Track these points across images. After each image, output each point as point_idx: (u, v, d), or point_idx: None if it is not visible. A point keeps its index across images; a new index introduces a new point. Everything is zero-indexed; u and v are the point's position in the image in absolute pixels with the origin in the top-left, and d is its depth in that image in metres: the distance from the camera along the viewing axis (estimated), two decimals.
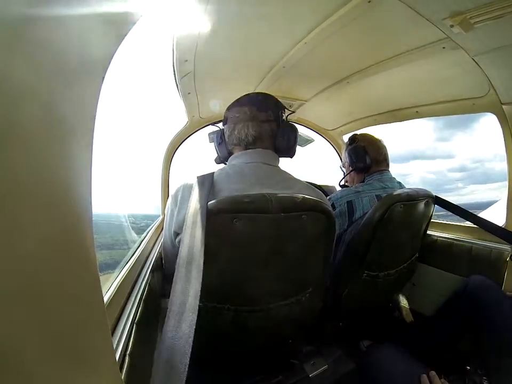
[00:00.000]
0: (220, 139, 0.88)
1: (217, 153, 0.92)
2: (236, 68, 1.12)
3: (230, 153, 0.86)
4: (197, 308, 0.41)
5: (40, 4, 0.22)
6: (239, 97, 0.87)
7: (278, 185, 0.74)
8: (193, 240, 0.51)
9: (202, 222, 0.54)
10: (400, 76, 1.14)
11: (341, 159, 1.96)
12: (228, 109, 0.87)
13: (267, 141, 0.82)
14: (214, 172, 0.75)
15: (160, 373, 0.34)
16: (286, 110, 0.89)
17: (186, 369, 0.34)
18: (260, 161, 0.78)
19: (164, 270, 0.92)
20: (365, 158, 1.20)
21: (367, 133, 1.33)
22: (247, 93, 0.88)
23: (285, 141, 0.84)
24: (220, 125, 0.94)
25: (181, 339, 0.37)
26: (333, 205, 1.16)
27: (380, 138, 1.28)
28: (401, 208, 0.95)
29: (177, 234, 0.71)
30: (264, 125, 0.81)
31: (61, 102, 0.25)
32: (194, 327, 0.38)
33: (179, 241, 0.57)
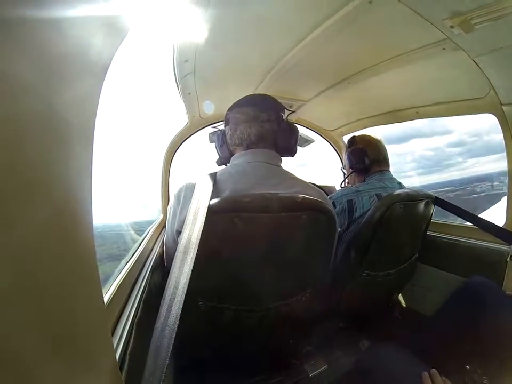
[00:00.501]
0: (221, 141, 0.88)
1: (219, 154, 0.92)
2: (236, 68, 1.12)
3: (232, 154, 0.86)
4: (185, 291, 0.43)
5: (41, 5, 0.22)
6: (239, 97, 0.87)
7: (280, 185, 0.74)
8: (191, 234, 0.52)
9: (202, 219, 0.55)
10: (401, 77, 1.14)
11: (341, 159, 1.97)
12: (229, 110, 0.87)
13: (269, 140, 0.82)
14: (216, 172, 0.75)
15: (150, 358, 0.36)
16: (286, 110, 0.89)
17: (170, 351, 0.36)
18: (261, 160, 0.78)
19: (165, 268, 0.93)
20: (364, 159, 1.21)
21: (366, 134, 1.34)
22: (247, 94, 0.88)
23: (286, 140, 0.85)
24: (221, 126, 0.94)
25: (168, 326, 0.38)
26: (333, 204, 1.16)
27: (379, 139, 1.28)
28: (401, 208, 0.95)
29: (179, 233, 0.71)
30: (266, 124, 0.81)
31: (62, 102, 0.25)
32: (180, 310, 0.40)
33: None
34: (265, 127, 0.81)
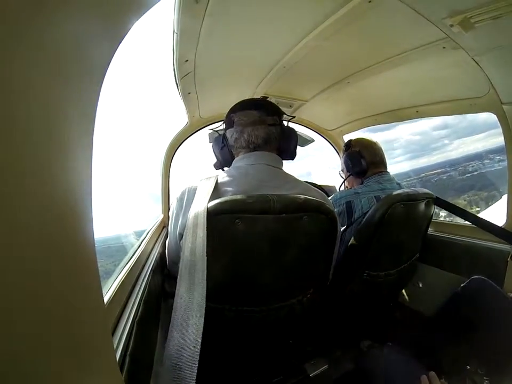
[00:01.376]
0: (221, 143, 0.87)
1: (218, 158, 0.91)
2: (236, 67, 1.12)
3: (233, 157, 0.85)
4: (203, 313, 0.39)
5: (40, 5, 0.22)
6: (239, 97, 0.88)
7: (282, 187, 0.75)
8: (195, 242, 0.51)
9: (204, 223, 0.55)
10: (400, 76, 1.13)
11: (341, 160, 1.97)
12: (233, 112, 0.85)
13: (273, 144, 0.83)
14: (218, 174, 0.75)
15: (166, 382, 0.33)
16: (287, 115, 0.91)
17: (194, 379, 0.33)
18: (264, 163, 0.79)
19: (167, 270, 0.93)
20: (361, 162, 1.21)
21: (362, 137, 1.35)
22: (246, 95, 0.89)
23: (287, 143, 0.86)
24: (220, 127, 0.92)
25: (188, 347, 0.35)
26: None
27: (375, 141, 1.29)
28: (402, 208, 0.95)
29: (182, 236, 0.71)
30: (272, 128, 0.83)
31: (61, 102, 0.25)
32: (201, 334, 0.36)
33: None
34: (271, 130, 0.82)
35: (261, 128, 0.81)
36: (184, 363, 0.33)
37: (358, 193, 1.15)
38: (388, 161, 1.28)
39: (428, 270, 1.27)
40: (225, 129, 0.87)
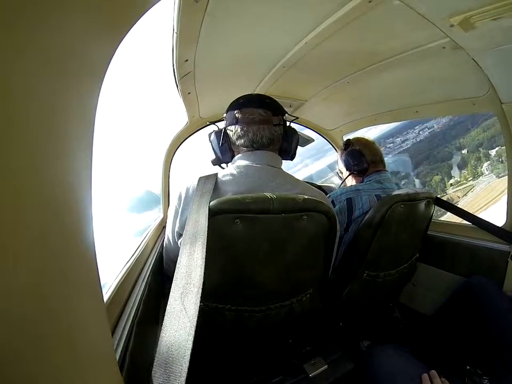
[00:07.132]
0: (222, 140, 0.84)
1: (217, 154, 0.88)
2: (236, 67, 1.12)
3: (233, 154, 0.84)
4: (196, 315, 0.38)
5: (40, 6, 0.22)
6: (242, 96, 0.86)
7: (282, 187, 0.75)
8: (194, 243, 0.50)
9: (205, 226, 0.53)
10: (400, 76, 1.14)
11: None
12: (237, 107, 0.82)
13: (277, 144, 0.83)
14: (217, 173, 0.75)
15: (158, 374, 0.33)
16: (291, 116, 0.90)
17: (186, 373, 0.33)
18: (265, 163, 0.78)
19: (164, 270, 0.92)
20: (362, 160, 1.22)
21: (361, 136, 1.35)
22: (252, 94, 0.87)
23: (289, 144, 0.86)
24: (219, 125, 0.90)
25: (179, 342, 0.35)
26: (332, 202, 1.16)
27: (373, 140, 1.30)
28: (402, 208, 0.95)
29: (180, 234, 0.71)
30: (276, 128, 0.82)
31: (61, 102, 0.25)
32: (193, 332, 0.36)
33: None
34: (276, 130, 0.81)
35: (267, 128, 0.79)
36: (175, 359, 0.33)
37: (359, 190, 1.15)
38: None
39: (427, 270, 1.27)
40: (226, 125, 0.85)
